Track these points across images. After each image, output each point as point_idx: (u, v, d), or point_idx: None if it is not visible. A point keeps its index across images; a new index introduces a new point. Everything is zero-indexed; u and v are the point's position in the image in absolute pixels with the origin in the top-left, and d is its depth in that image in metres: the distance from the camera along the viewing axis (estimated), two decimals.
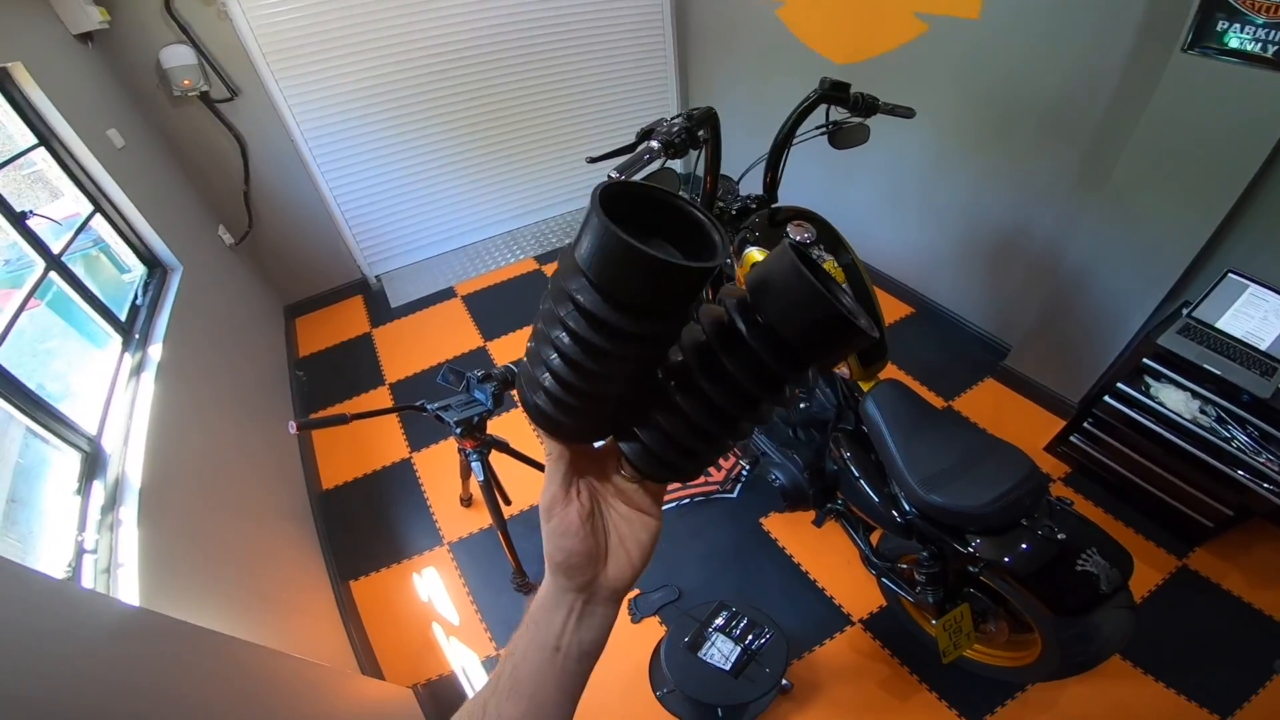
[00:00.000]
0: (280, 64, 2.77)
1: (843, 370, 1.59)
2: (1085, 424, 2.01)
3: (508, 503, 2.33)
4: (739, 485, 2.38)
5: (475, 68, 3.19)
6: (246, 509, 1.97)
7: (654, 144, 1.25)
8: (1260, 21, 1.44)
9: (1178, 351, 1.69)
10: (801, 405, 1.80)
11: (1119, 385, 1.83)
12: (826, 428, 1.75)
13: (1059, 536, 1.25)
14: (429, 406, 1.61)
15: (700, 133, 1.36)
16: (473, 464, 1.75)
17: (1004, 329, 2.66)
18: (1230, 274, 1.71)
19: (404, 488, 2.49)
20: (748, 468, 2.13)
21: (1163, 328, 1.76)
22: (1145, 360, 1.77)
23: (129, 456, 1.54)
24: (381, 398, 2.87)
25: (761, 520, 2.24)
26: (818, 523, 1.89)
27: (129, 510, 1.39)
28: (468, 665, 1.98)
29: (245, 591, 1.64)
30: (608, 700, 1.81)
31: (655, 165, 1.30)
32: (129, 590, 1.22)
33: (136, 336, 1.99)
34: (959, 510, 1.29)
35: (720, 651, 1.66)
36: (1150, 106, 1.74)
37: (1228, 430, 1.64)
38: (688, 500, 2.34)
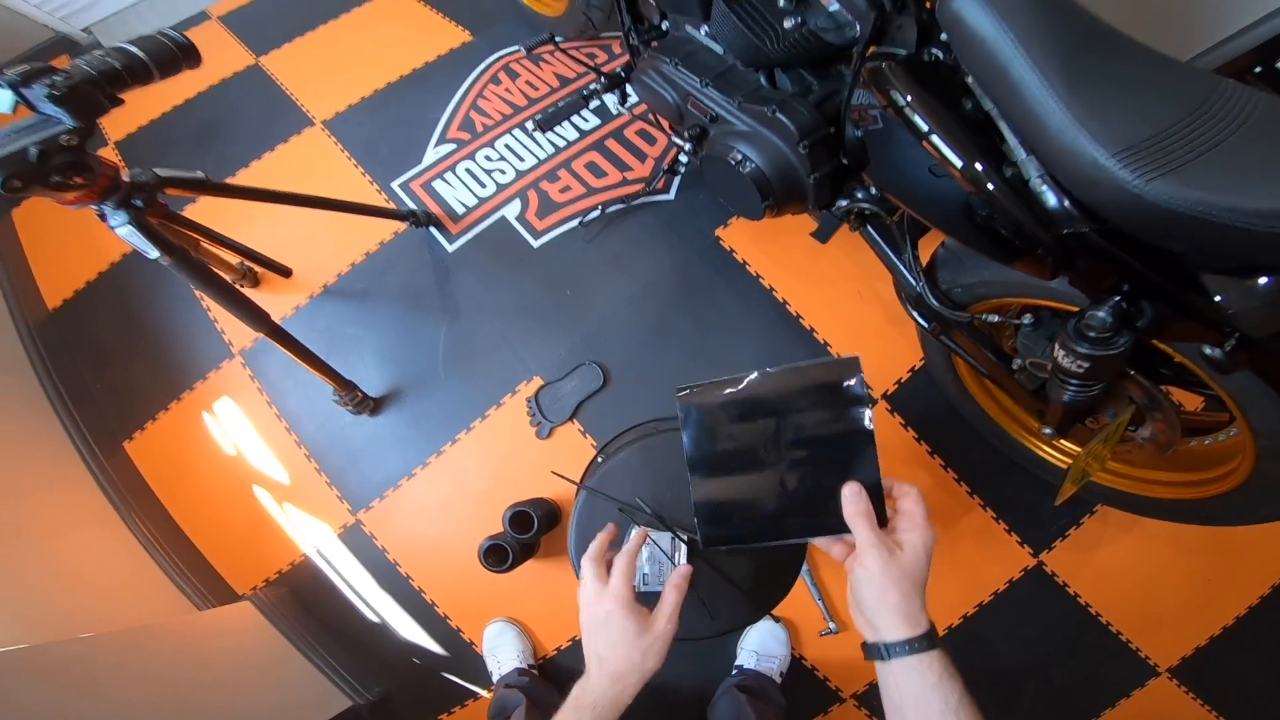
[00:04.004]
0: None
1: None
2: None
3: (285, 273, 1.57)
4: (675, 179, 1.60)
5: None
6: None
7: None
8: None
9: None
10: (787, 22, 0.92)
11: None
12: (837, 61, 0.97)
13: None
14: None
15: None
16: (118, 231, 0.92)
17: None
18: None
19: (158, 280, 1.66)
20: (688, 147, 1.18)
21: None
22: None
23: None
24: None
25: (719, 233, 1.55)
26: (822, 235, 1.15)
27: None
28: (322, 544, 1.47)
29: None
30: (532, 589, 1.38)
31: None
32: None
33: None
34: (1222, 217, 0.52)
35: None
36: None
37: None
38: (595, 211, 1.57)
